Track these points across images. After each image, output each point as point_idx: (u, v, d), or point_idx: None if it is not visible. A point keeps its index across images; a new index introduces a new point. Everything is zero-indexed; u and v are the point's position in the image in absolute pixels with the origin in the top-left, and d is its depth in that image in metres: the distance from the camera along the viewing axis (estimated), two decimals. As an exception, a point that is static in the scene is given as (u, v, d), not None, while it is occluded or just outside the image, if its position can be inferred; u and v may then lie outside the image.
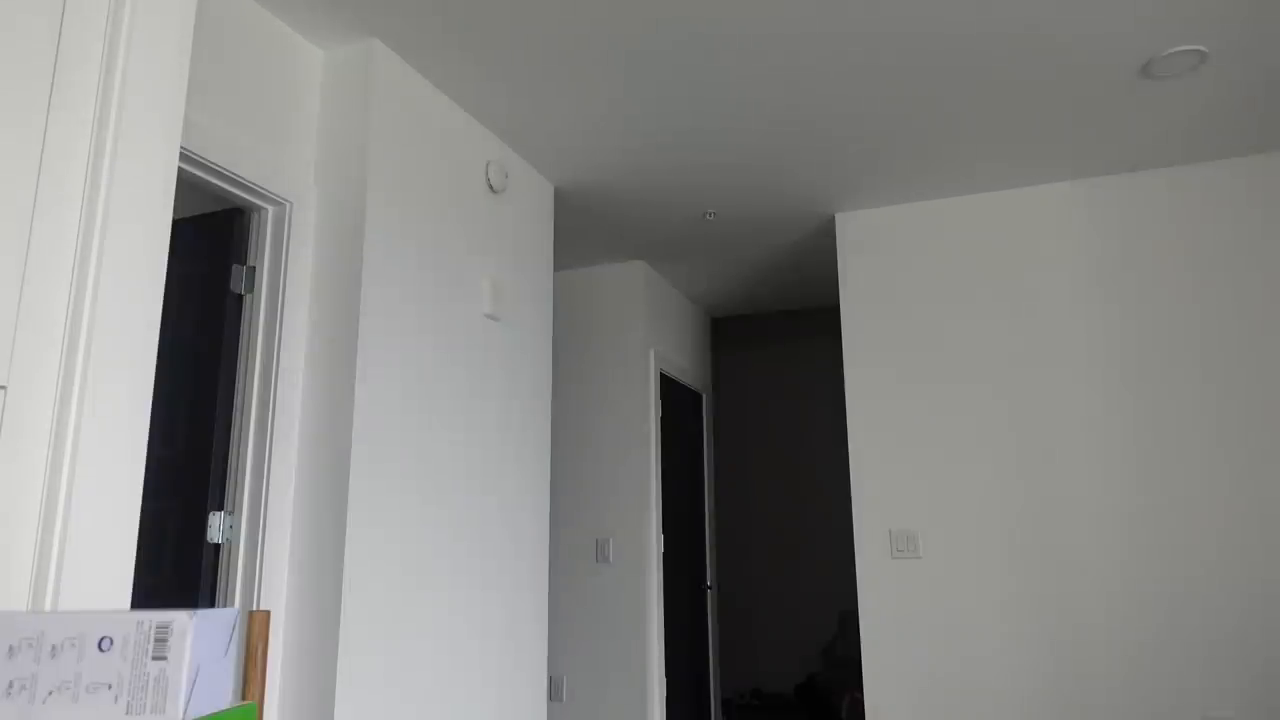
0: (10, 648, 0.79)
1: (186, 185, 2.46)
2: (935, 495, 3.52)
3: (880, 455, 3.63)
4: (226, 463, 2.31)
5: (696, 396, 5.32)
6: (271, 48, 2.44)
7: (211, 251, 2.41)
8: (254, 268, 2.40)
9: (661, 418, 4.58)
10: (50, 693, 0.77)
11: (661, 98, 2.85)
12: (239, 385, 2.34)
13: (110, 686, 0.75)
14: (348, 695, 2.21)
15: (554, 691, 4.26)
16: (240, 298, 2.40)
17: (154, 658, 0.75)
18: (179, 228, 2.43)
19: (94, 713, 0.75)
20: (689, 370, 5.14)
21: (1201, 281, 3.30)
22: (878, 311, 3.75)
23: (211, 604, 2.25)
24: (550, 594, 4.35)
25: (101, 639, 0.76)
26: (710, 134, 3.12)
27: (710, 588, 5.23)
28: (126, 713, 0.74)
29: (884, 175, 3.49)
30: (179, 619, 0.75)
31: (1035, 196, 3.58)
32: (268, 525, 2.25)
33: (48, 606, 1.02)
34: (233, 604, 2.24)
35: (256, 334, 2.36)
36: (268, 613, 0.95)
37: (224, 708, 0.78)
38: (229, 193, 2.30)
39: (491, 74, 2.71)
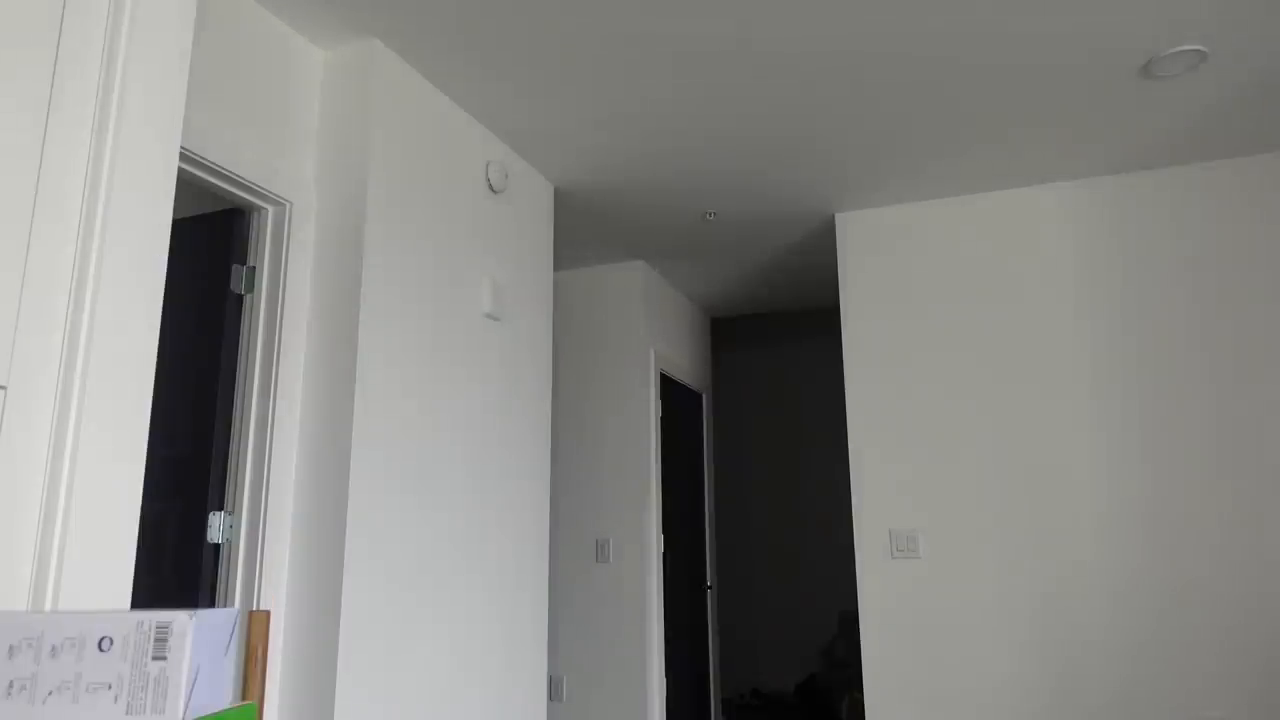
0: (10, 648, 0.79)
1: (186, 185, 2.46)
2: (935, 495, 3.52)
3: (880, 455, 3.63)
4: (226, 463, 2.31)
5: (696, 396, 5.32)
6: (271, 48, 2.44)
7: (211, 251, 2.41)
8: (254, 268, 2.40)
9: (661, 418, 4.58)
10: (50, 693, 0.77)
11: (661, 98, 2.85)
12: (239, 385, 2.34)
13: (110, 686, 0.75)
14: (348, 695, 2.21)
15: (554, 691, 4.26)
16: (240, 298, 2.40)
17: (154, 658, 0.75)
18: (179, 228, 2.43)
19: (94, 713, 0.75)
20: (689, 370, 5.14)
21: (1201, 281, 3.30)
22: (878, 311, 3.75)
23: (211, 604, 2.25)
24: (550, 594, 4.35)
25: (101, 639, 0.76)
26: (710, 134, 3.12)
27: (710, 588, 5.24)
28: (126, 713, 0.74)
29: (884, 175, 3.49)
30: (179, 619, 0.75)
31: (1035, 196, 3.58)
32: (268, 525, 2.25)
33: (48, 606, 1.02)
34: (233, 604, 2.24)
35: (256, 334, 2.36)
36: (268, 613, 0.95)
37: (224, 708, 0.78)
38: (229, 193, 2.30)
39: (491, 74, 2.71)
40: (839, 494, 6.03)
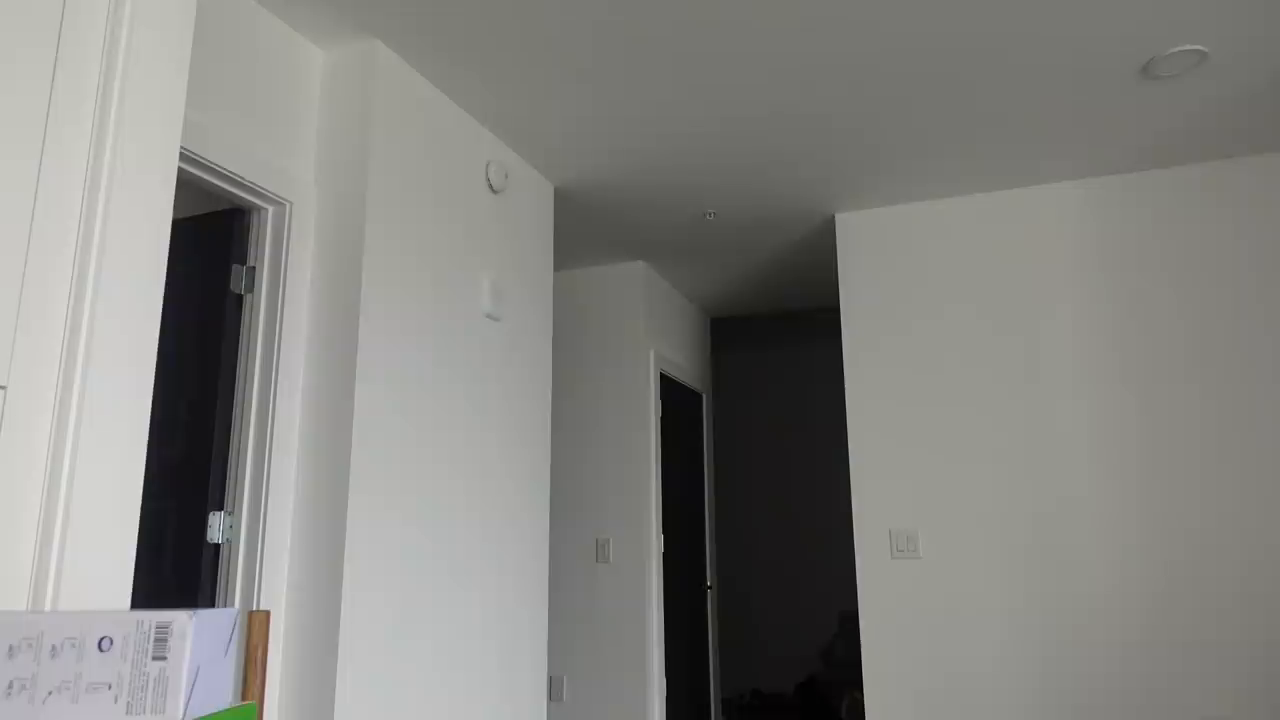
0: (10, 648, 0.79)
1: (186, 185, 2.46)
2: (935, 495, 3.52)
3: (880, 455, 3.63)
4: (226, 462, 2.31)
5: (696, 396, 5.32)
6: (271, 48, 2.44)
7: (211, 251, 2.41)
8: (254, 268, 2.40)
9: (661, 418, 4.58)
10: (50, 693, 0.77)
11: (661, 98, 2.85)
12: (239, 385, 2.34)
13: (110, 686, 0.75)
14: (347, 695, 2.21)
15: (554, 691, 4.26)
16: (240, 298, 2.40)
17: (154, 658, 0.75)
18: (179, 228, 2.43)
19: (94, 713, 0.75)
20: (689, 370, 5.14)
21: (1201, 281, 3.30)
22: (878, 311, 3.75)
23: (211, 604, 2.25)
24: (550, 594, 4.35)
25: (101, 639, 0.76)
26: (710, 134, 3.12)
27: (710, 588, 5.24)
28: (126, 713, 0.74)
29: (884, 175, 3.49)
30: (179, 619, 0.75)
31: (1035, 196, 3.58)
32: (268, 525, 2.25)
33: (48, 606, 1.02)
34: (233, 604, 2.24)
35: (256, 334, 2.36)
36: (268, 613, 0.95)
37: (224, 708, 0.78)
38: (229, 193, 2.30)
39: (491, 74, 2.71)
40: (839, 494, 6.03)
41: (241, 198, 2.34)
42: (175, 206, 2.40)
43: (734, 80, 2.74)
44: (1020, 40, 2.54)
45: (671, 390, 4.83)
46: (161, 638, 0.75)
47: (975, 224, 3.65)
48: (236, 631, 0.81)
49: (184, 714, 0.73)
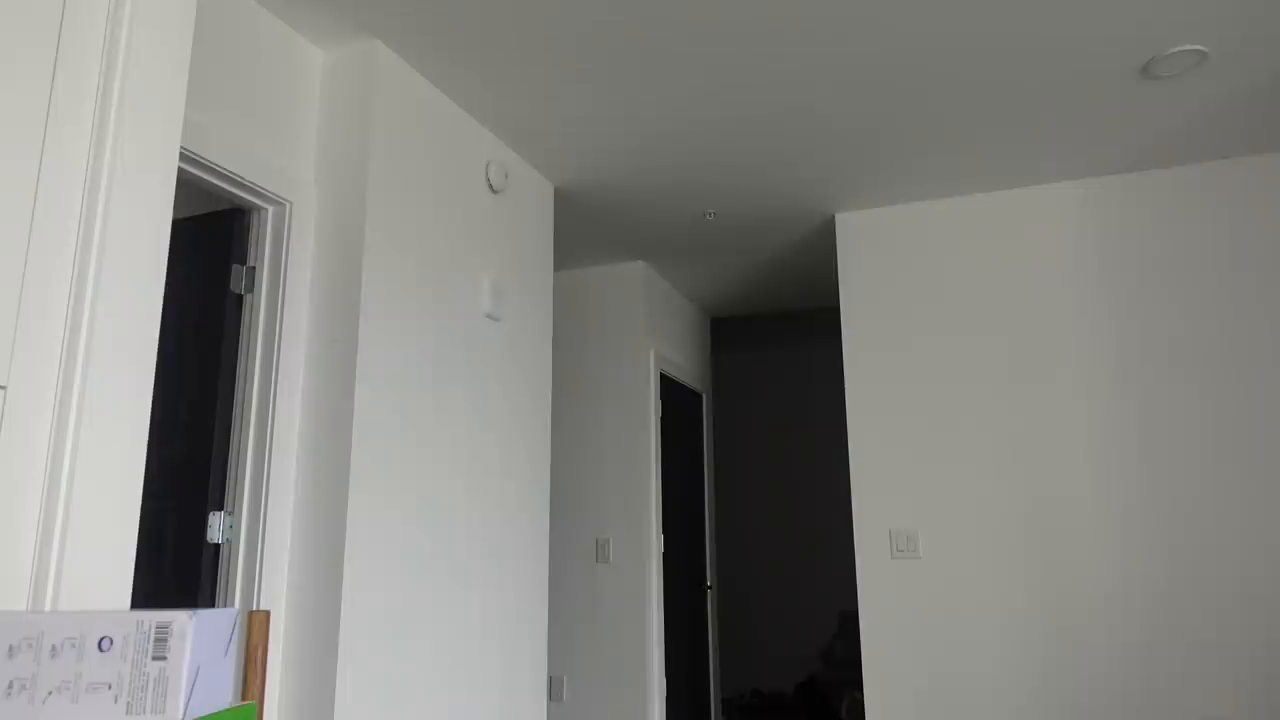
0: (10, 648, 0.79)
1: (186, 185, 2.46)
2: (935, 495, 3.52)
3: (880, 455, 3.63)
4: (226, 463, 2.31)
5: (696, 396, 5.32)
6: (271, 48, 2.44)
7: (211, 251, 2.41)
8: (254, 268, 2.40)
9: (661, 418, 4.58)
10: (50, 693, 0.77)
11: (661, 98, 2.85)
12: (239, 385, 2.34)
13: (110, 686, 0.75)
14: (347, 695, 2.21)
15: (554, 691, 4.26)
16: (240, 298, 2.40)
17: (154, 658, 0.75)
18: (179, 228, 2.43)
19: (94, 713, 0.75)
20: (689, 370, 5.14)
21: (1201, 281, 3.30)
22: (878, 311, 3.75)
23: (211, 604, 2.25)
24: (550, 594, 4.35)
25: (101, 639, 0.76)
26: (710, 134, 3.12)
27: (710, 588, 5.24)
28: (126, 713, 0.74)
29: (884, 175, 3.49)
30: (179, 619, 0.75)
31: (1035, 196, 3.58)
32: (268, 525, 2.25)
33: (48, 606, 1.02)
34: (233, 604, 2.24)
35: (256, 334, 2.36)
36: (268, 613, 0.95)
37: (224, 708, 0.78)
38: (229, 193, 2.30)
39: (491, 74, 2.71)
40: (839, 494, 6.03)
41: (241, 198, 2.34)
42: (175, 206, 2.40)
43: (734, 80, 2.74)
44: (1020, 40, 2.54)
45: (671, 390, 4.83)
46: (161, 638, 0.75)
47: (975, 224, 3.65)
48: (236, 631, 0.81)
49: (184, 714, 0.73)
